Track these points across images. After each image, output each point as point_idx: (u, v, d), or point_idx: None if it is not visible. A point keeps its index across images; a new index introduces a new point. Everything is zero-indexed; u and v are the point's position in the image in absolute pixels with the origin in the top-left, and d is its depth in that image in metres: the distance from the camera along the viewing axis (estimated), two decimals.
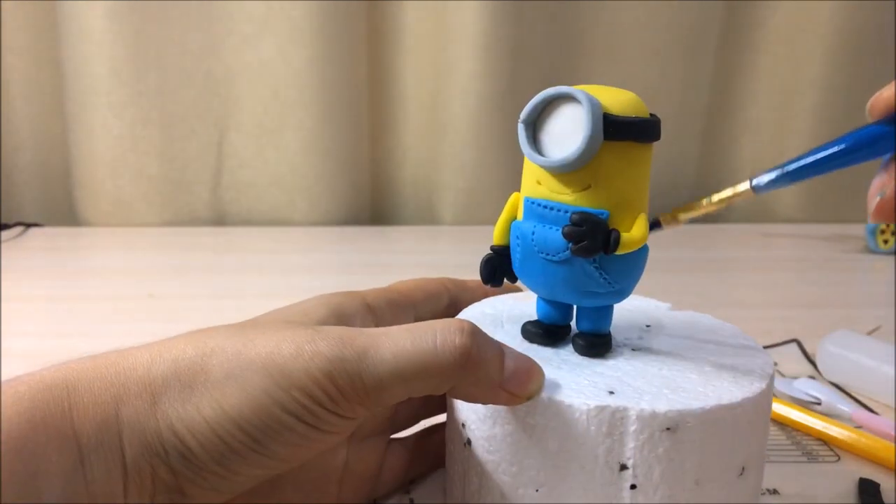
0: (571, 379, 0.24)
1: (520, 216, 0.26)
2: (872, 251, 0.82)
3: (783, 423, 0.37)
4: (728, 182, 1.02)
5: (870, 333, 0.50)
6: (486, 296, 0.32)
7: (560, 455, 0.22)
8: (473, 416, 0.24)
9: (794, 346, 0.49)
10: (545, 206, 0.24)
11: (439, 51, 0.92)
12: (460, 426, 0.25)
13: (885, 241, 0.81)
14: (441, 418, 0.30)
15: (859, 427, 0.36)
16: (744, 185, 0.26)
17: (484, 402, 0.23)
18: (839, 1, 0.93)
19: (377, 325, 0.27)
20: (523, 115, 0.24)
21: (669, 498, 0.22)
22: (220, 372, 0.20)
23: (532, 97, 0.25)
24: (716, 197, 0.26)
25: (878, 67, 0.94)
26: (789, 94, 0.98)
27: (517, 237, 0.25)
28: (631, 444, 0.22)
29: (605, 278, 0.24)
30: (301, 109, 0.90)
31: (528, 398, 0.22)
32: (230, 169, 0.93)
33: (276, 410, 0.20)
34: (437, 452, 0.29)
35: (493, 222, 0.27)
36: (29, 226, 0.89)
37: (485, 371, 0.22)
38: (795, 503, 0.30)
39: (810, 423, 0.36)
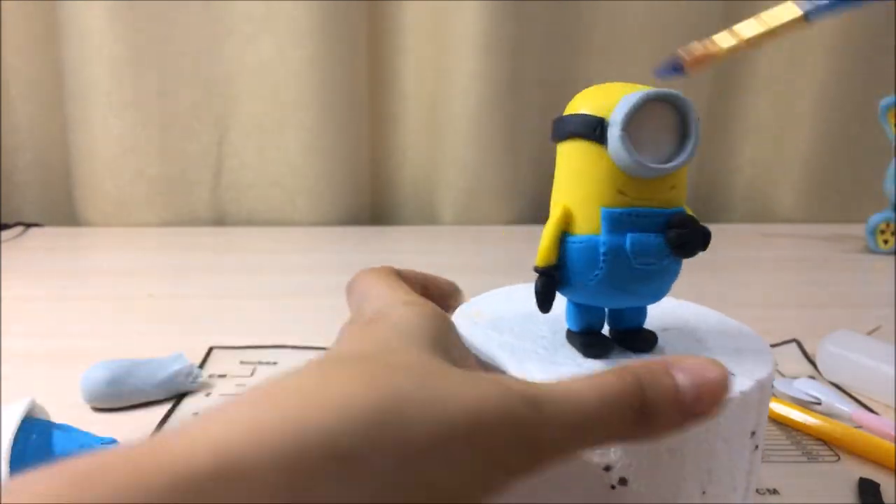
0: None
1: (584, 230, 0.24)
2: (872, 251, 0.82)
3: (783, 423, 0.37)
4: (728, 183, 1.02)
5: (870, 333, 0.50)
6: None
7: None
8: None
9: (794, 346, 0.49)
10: (638, 215, 0.23)
11: (439, 51, 0.92)
12: None
13: (885, 241, 0.81)
14: None
15: (859, 427, 0.36)
16: (792, 10, 0.21)
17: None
18: None
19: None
20: (623, 122, 0.22)
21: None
22: (426, 443, 0.16)
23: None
24: (761, 21, 0.21)
25: (878, 67, 0.94)
26: (789, 94, 0.98)
27: (603, 252, 0.23)
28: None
29: (677, 274, 0.25)
30: (301, 109, 0.90)
31: (720, 408, 0.20)
32: (230, 169, 0.93)
33: (474, 487, 0.17)
34: None
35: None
36: (29, 226, 0.89)
37: (662, 420, 0.20)
38: (795, 503, 0.30)
39: (810, 423, 0.36)
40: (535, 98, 0.94)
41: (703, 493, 0.23)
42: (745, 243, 0.90)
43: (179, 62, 0.88)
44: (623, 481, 0.22)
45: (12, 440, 0.29)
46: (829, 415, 0.37)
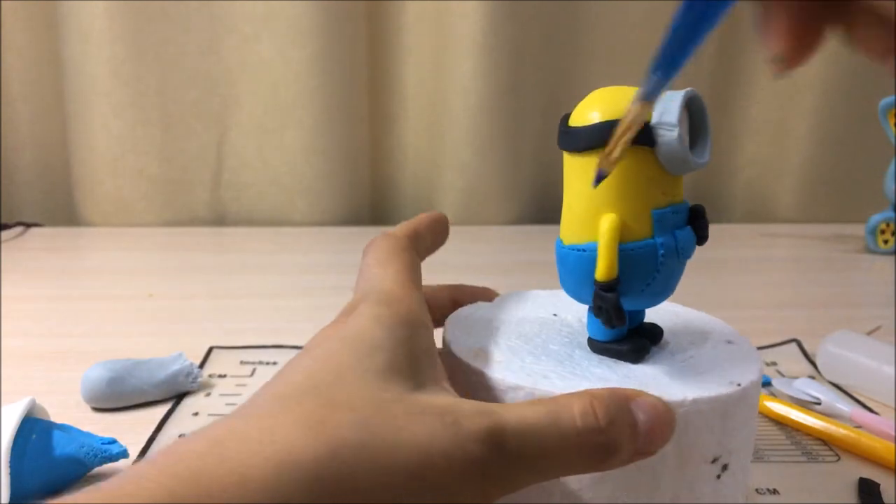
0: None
1: (636, 236, 0.24)
2: (872, 251, 0.82)
3: (783, 423, 0.37)
4: (728, 183, 1.02)
5: (870, 333, 0.50)
6: (433, 233, 0.31)
7: None
8: None
9: (794, 346, 0.49)
10: (675, 212, 0.24)
11: (439, 51, 0.92)
12: None
13: (885, 241, 0.81)
14: None
15: (859, 427, 0.36)
16: (633, 107, 0.22)
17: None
18: None
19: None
20: (676, 121, 0.22)
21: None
22: (367, 494, 0.17)
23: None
24: (621, 125, 0.22)
25: (878, 67, 0.94)
26: (789, 94, 0.98)
27: (661, 254, 0.24)
28: None
29: None
30: (301, 109, 0.90)
31: (664, 444, 0.21)
32: (230, 169, 0.93)
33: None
34: None
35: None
36: (29, 226, 0.89)
37: (620, 457, 0.20)
38: (795, 503, 0.30)
39: (810, 423, 0.36)
40: (536, 98, 0.94)
41: (754, 454, 0.26)
42: (745, 243, 0.90)
43: (179, 62, 0.88)
44: (726, 468, 0.23)
45: (12, 440, 0.29)
46: (828, 415, 0.37)
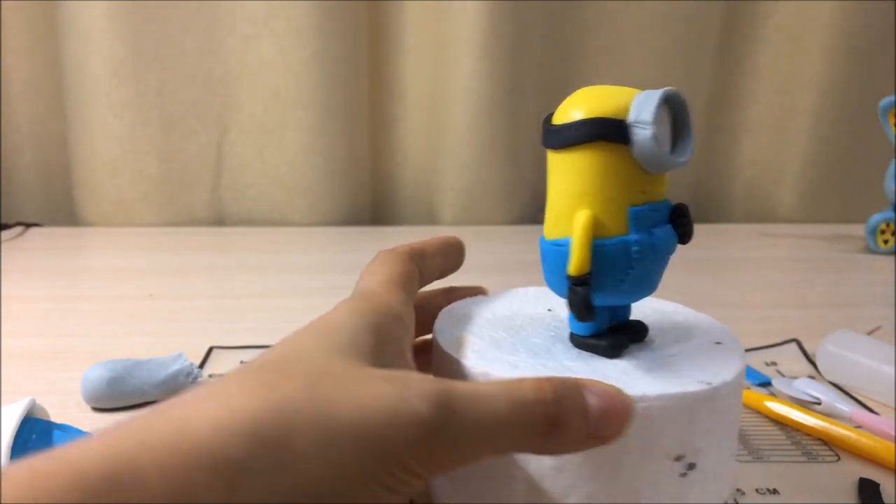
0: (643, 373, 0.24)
1: (611, 232, 0.24)
2: (872, 251, 0.82)
3: (783, 423, 0.37)
4: (728, 182, 1.02)
5: (870, 333, 0.50)
6: (443, 257, 0.31)
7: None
8: None
9: (794, 346, 0.49)
10: (654, 210, 0.24)
11: (439, 51, 0.92)
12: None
13: (885, 241, 0.81)
14: None
15: (859, 427, 0.36)
16: None
17: (576, 451, 0.22)
18: (839, 1, 0.93)
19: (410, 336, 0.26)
20: (653, 120, 0.22)
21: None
22: (307, 449, 0.17)
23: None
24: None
25: (878, 67, 0.94)
26: (789, 94, 0.98)
27: (636, 251, 0.24)
28: None
29: None
30: (301, 109, 0.90)
31: (620, 433, 0.21)
32: (230, 169, 0.93)
33: (370, 486, 0.18)
34: None
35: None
36: (29, 226, 0.89)
37: (570, 435, 0.21)
38: (795, 503, 0.30)
39: (810, 423, 0.36)
40: (536, 98, 0.94)
41: (734, 457, 0.26)
42: (745, 243, 0.90)
43: (179, 62, 0.88)
44: (692, 466, 0.23)
45: (12, 440, 0.29)
46: (828, 415, 0.37)
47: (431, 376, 0.20)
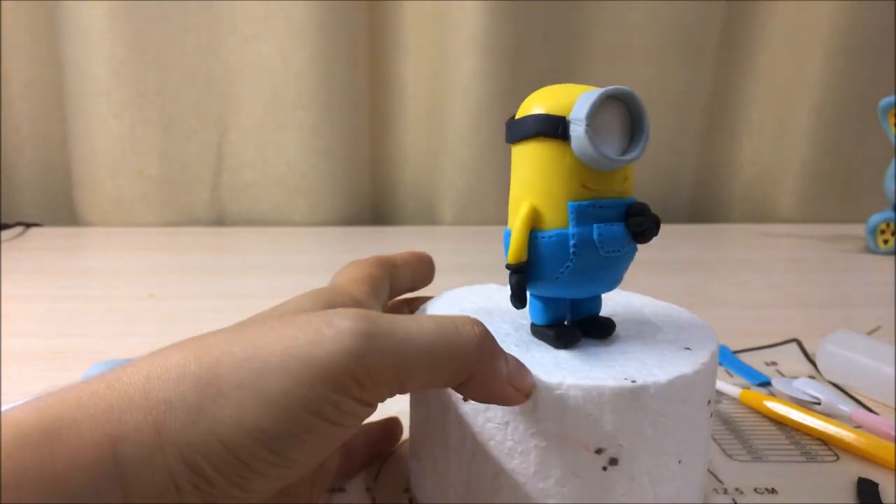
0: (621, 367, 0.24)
1: (552, 225, 0.24)
2: (872, 251, 0.82)
3: (783, 423, 0.37)
4: (728, 183, 1.02)
5: (870, 333, 0.50)
6: (413, 271, 0.33)
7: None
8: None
9: (794, 346, 0.49)
10: (602, 206, 0.24)
11: (439, 51, 0.92)
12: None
13: (885, 241, 0.81)
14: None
15: (859, 427, 0.36)
16: None
17: (493, 399, 0.23)
18: (839, 1, 0.93)
19: None
20: (587, 118, 0.23)
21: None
22: (232, 382, 0.18)
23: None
24: None
25: (878, 67, 0.94)
26: (789, 94, 0.98)
27: (574, 244, 0.24)
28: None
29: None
30: (301, 109, 0.90)
31: (528, 396, 0.23)
32: (230, 169, 0.93)
33: (299, 413, 0.18)
34: (369, 452, 0.31)
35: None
36: (29, 226, 0.89)
37: (498, 362, 0.22)
38: (794, 503, 0.30)
39: (810, 423, 0.36)
40: None
41: (680, 462, 0.24)
42: (745, 243, 0.90)
43: (179, 62, 0.88)
44: (613, 461, 0.23)
45: None
46: (828, 415, 0.37)
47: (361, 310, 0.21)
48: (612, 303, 0.31)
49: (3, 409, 0.30)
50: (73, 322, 0.54)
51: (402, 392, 0.21)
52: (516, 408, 0.23)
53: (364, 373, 0.19)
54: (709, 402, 0.26)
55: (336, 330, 0.19)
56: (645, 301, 0.32)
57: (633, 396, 0.23)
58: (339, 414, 0.19)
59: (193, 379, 0.18)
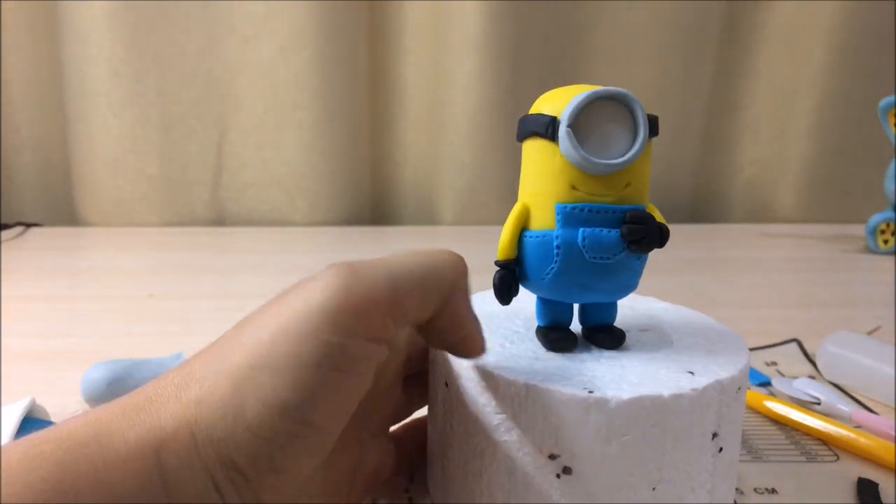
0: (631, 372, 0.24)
1: (540, 225, 0.24)
2: (872, 251, 0.82)
3: (783, 423, 0.37)
4: (728, 182, 1.02)
5: (870, 333, 0.50)
6: None
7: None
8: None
9: (794, 346, 0.49)
10: (591, 210, 0.24)
11: (439, 51, 0.92)
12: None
13: (885, 241, 0.81)
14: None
15: (859, 427, 0.36)
16: None
17: (459, 331, 0.24)
18: (839, 1, 0.93)
19: None
20: (569, 119, 0.23)
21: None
22: (247, 365, 0.19)
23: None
24: None
25: (878, 67, 0.94)
26: (789, 94, 0.98)
27: (557, 246, 0.24)
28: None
29: (640, 271, 0.25)
30: (301, 109, 0.90)
31: (482, 351, 0.24)
32: (230, 169, 0.93)
33: (310, 372, 0.19)
34: (422, 443, 0.30)
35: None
36: (29, 226, 0.89)
37: (468, 288, 0.23)
38: (794, 503, 0.30)
39: (810, 423, 0.36)
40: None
41: (654, 489, 0.23)
42: (745, 243, 0.90)
43: (179, 62, 0.88)
44: (567, 470, 0.23)
45: (12, 440, 0.29)
46: (828, 415, 0.37)
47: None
48: (649, 312, 0.30)
49: (2, 408, 0.30)
50: (73, 322, 0.54)
51: (403, 321, 0.21)
52: (481, 398, 0.24)
53: (358, 305, 0.19)
54: (714, 435, 0.23)
55: (322, 280, 0.20)
56: (693, 318, 0.30)
57: (586, 408, 0.22)
58: (347, 359, 0.19)
59: (214, 374, 0.19)
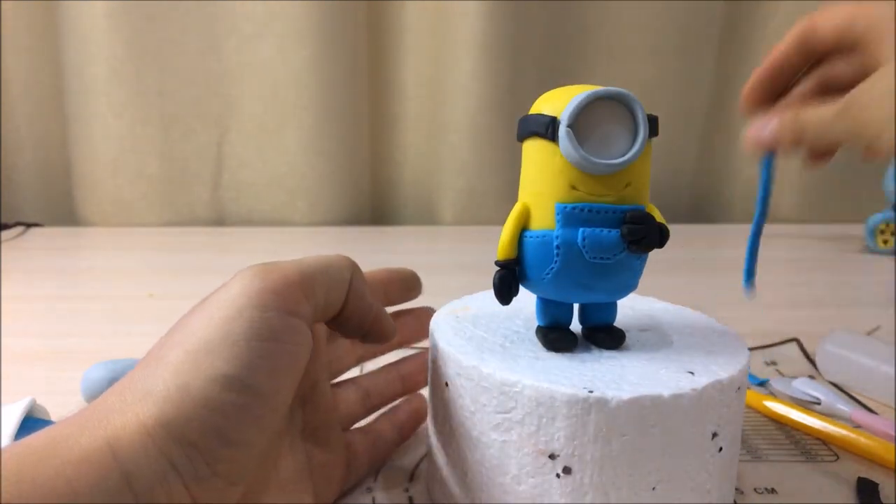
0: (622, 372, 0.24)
1: (540, 225, 0.25)
2: (872, 251, 0.82)
3: (783, 423, 0.37)
4: (728, 183, 1.01)
5: (870, 333, 0.50)
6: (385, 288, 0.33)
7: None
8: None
9: (794, 345, 0.49)
10: (591, 210, 0.24)
11: (439, 50, 0.92)
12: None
13: (885, 241, 0.81)
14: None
15: (858, 427, 0.36)
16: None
17: (373, 325, 0.27)
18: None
19: None
20: (569, 119, 0.23)
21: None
22: (183, 352, 0.21)
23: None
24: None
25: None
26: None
27: (557, 246, 0.24)
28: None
29: (640, 271, 0.25)
30: (301, 109, 0.90)
31: (393, 332, 0.28)
32: (230, 169, 0.93)
33: (242, 344, 0.21)
34: (398, 433, 0.32)
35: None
36: (29, 226, 0.89)
37: (362, 277, 0.27)
38: (794, 503, 0.30)
39: (810, 423, 0.36)
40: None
41: (653, 489, 0.23)
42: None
43: (179, 62, 0.88)
44: (567, 470, 0.23)
45: (12, 440, 0.29)
46: (828, 414, 0.37)
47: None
48: (650, 312, 0.30)
49: (3, 408, 0.30)
50: (73, 322, 0.54)
51: (314, 300, 0.24)
52: (482, 398, 0.24)
53: (276, 283, 0.23)
54: (714, 434, 0.24)
55: (238, 276, 0.23)
56: (693, 318, 0.30)
57: (586, 408, 0.22)
58: (274, 331, 0.22)
59: (153, 371, 0.20)
